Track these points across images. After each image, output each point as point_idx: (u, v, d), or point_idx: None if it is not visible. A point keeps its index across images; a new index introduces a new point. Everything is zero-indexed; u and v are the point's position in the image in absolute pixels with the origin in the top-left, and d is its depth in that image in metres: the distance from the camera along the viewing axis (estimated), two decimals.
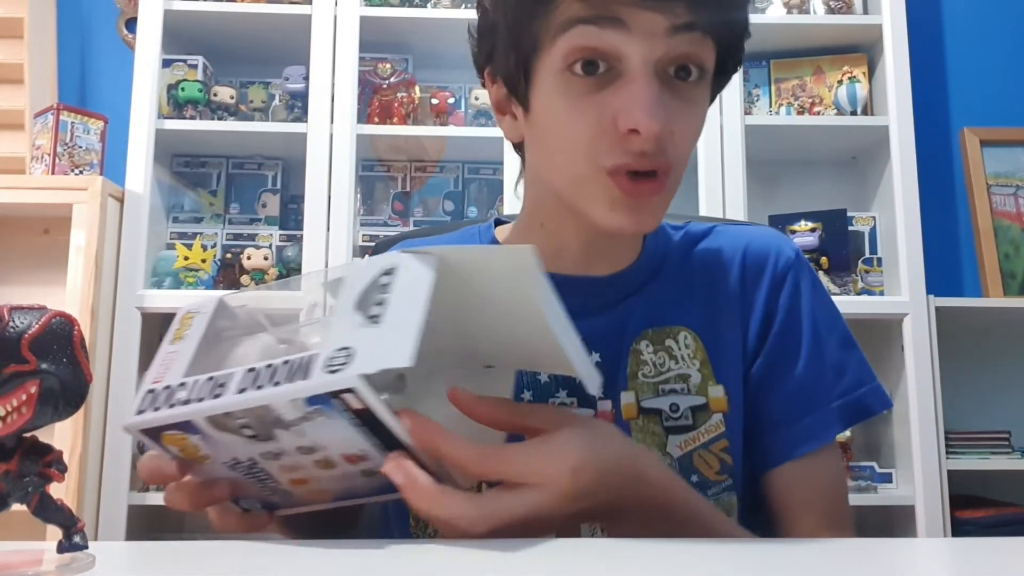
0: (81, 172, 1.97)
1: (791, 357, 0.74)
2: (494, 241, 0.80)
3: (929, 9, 2.43)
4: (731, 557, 0.52)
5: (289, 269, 2.03)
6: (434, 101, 2.14)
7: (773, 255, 0.76)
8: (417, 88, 2.14)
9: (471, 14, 2.23)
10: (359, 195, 2.12)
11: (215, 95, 2.08)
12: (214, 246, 2.04)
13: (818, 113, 2.18)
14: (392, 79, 2.12)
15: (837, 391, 0.74)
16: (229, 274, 2.03)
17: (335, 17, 2.05)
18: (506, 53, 0.69)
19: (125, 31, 2.32)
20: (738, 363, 0.74)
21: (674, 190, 0.68)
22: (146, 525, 1.95)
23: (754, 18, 2.33)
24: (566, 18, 0.63)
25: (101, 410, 1.87)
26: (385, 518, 0.76)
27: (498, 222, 0.84)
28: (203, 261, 1.99)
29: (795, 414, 0.73)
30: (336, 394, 0.46)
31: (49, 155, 1.95)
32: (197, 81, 2.07)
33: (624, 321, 0.73)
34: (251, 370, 0.49)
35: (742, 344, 0.74)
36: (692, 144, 0.68)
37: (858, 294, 2.05)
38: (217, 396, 0.49)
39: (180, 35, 2.12)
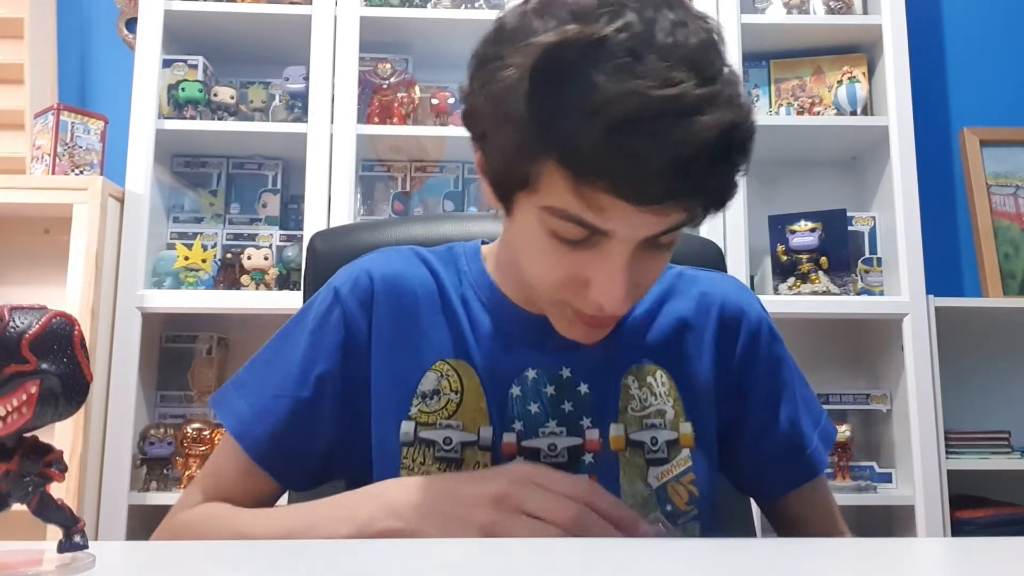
0: (81, 172, 1.97)
1: (779, 400, 0.82)
2: (483, 270, 0.81)
3: (929, 9, 2.43)
4: (734, 556, 0.52)
5: (289, 269, 2.03)
6: (434, 101, 2.14)
7: (747, 310, 0.83)
8: (417, 88, 2.14)
9: (471, 14, 2.23)
10: (359, 195, 2.12)
11: (215, 95, 2.08)
12: (214, 246, 2.04)
13: (818, 113, 2.18)
14: (392, 79, 2.12)
15: (820, 424, 0.84)
16: (229, 274, 2.03)
17: (335, 17, 2.04)
18: (493, 171, 0.68)
19: (125, 31, 2.32)
20: (710, 405, 0.80)
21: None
22: (146, 525, 1.95)
23: (754, 18, 2.34)
24: (550, 205, 0.63)
25: (101, 410, 1.87)
26: None
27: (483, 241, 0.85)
28: (203, 261, 1.99)
29: (796, 447, 0.82)
30: None
31: (49, 155, 1.95)
32: (197, 81, 2.07)
33: (610, 356, 0.77)
34: None
35: (715, 388, 0.80)
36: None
37: (858, 294, 2.05)
38: None
39: (180, 35, 2.12)
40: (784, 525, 0.86)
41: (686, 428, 0.78)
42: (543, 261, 0.67)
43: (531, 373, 0.76)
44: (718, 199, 0.64)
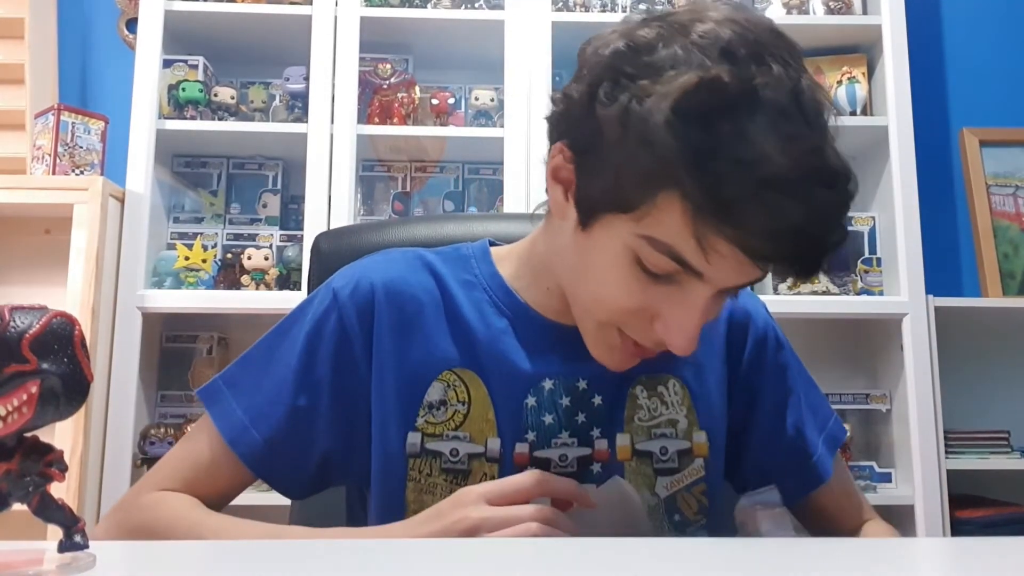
0: (82, 172, 1.97)
1: (784, 408, 0.82)
2: (495, 272, 0.79)
3: (929, 9, 2.43)
4: (735, 556, 0.52)
5: (290, 269, 2.03)
6: (434, 101, 2.14)
7: (753, 316, 0.83)
8: (417, 88, 2.14)
9: (471, 14, 2.21)
10: (359, 195, 2.12)
11: (216, 95, 2.08)
12: (214, 246, 2.04)
13: None
14: (392, 79, 2.12)
15: (827, 428, 0.85)
16: (229, 274, 2.03)
17: (335, 17, 2.04)
18: (589, 186, 0.65)
19: (126, 31, 2.32)
20: (722, 412, 0.80)
21: None
22: None
23: None
24: (654, 236, 0.61)
25: (102, 410, 1.87)
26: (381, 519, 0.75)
27: (491, 243, 0.83)
28: (203, 261, 1.99)
29: (802, 455, 0.82)
30: None
31: (50, 155, 1.95)
32: (198, 81, 2.07)
33: None
34: None
35: (727, 396, 0.80)
36: None
37: (857, 294, 2.05)
38: None
39: (181, 35, 2.12)
40: (806, 525, 0.85)
41: (700, 437, 0.77)
42: (616, 285, 0.65)
43: (548, 384, 0.74)
44: (818, 266, 0.64)
